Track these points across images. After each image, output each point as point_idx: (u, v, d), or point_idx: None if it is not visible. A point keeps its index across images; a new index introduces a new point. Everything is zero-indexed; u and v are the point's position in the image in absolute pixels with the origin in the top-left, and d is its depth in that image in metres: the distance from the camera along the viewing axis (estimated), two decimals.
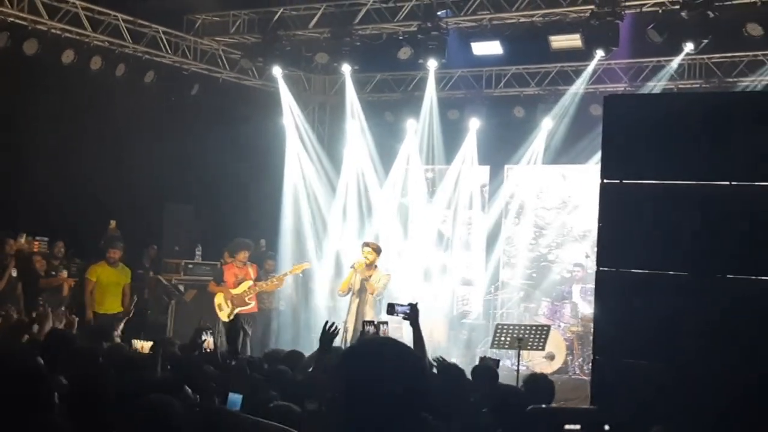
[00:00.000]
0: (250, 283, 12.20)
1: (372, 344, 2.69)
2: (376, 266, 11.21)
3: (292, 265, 13.29)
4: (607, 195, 5.94)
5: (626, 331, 5.73)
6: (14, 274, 11.78)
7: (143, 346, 8.03)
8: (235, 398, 5.19)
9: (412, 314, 5.83)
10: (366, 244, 11.44)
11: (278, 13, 13.95)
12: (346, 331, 10.54)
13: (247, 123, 14.92)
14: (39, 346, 7.00)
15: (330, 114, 16.36)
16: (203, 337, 6.75)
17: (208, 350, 6.87)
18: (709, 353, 5.56)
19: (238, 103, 15.23)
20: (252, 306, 12.27)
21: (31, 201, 12.67)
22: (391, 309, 6.06)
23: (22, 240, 12.16)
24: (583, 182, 13.92)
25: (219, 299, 12.20)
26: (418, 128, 15.14)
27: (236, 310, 12.05)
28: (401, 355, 2.50)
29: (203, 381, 5.16)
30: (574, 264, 13.87)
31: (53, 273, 12.37)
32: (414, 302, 5.97)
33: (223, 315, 12.07)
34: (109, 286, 11.54)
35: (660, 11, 12.24)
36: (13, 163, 12.77)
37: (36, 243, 12.78)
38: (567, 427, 1.70)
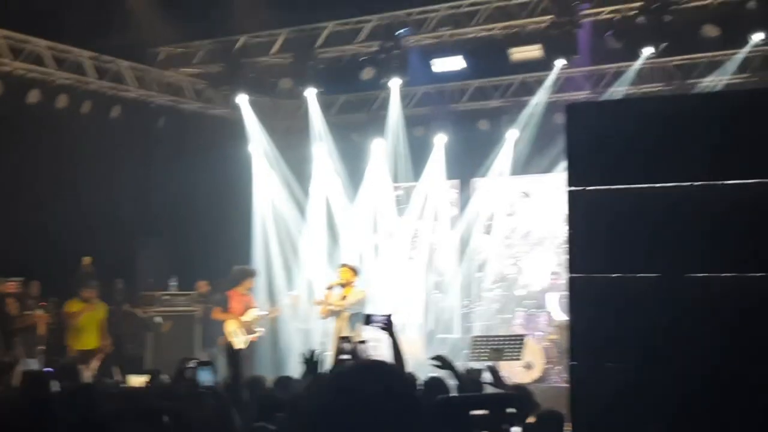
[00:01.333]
0: (257, 310, 12.21)
1: (357, 372, 2.53)
2: (352, 286, 11.27)
3: (277, 300, 13.28)
4: (574, 202, 6.04)
5: (602, 336, 5.83)
6: None
7: (137, 381, 8.02)
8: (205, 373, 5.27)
9: (389, 325, 5.90)
10: (343, 265, 11.51)
11: (240, 42, 14.04)
12: (324, 353, 10.56)
13: (215, 151, 14.96)
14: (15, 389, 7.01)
15: (296, 138, 16.43)
16: (190, 364, 6.74)
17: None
18: (686, 352, 5.66)
19: (205, 133, 15.27)
20: (258, 334, 12.30)
21: (2, 241, 12.60)
22: (368, 320, 6.11)
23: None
24: (551, 191, 14.07)
25: (232, 326, 12.13)
26: (385, 147, 15.25)
27: (249, 338, 12.03)
28: (390, 382, 2.40)
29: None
30: (551, 273, 13.99)
31: (28, 313, 12.30)
32: (389, 314, 6.03)
33: (239, 342, 11.99)
34: (85, 322, 11.50)
35: (617, 18, 12.44)
36: None
37: (11, 284, 12.71)
38: (473, 412, 1.72)
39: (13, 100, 12.37)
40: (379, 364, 2.52)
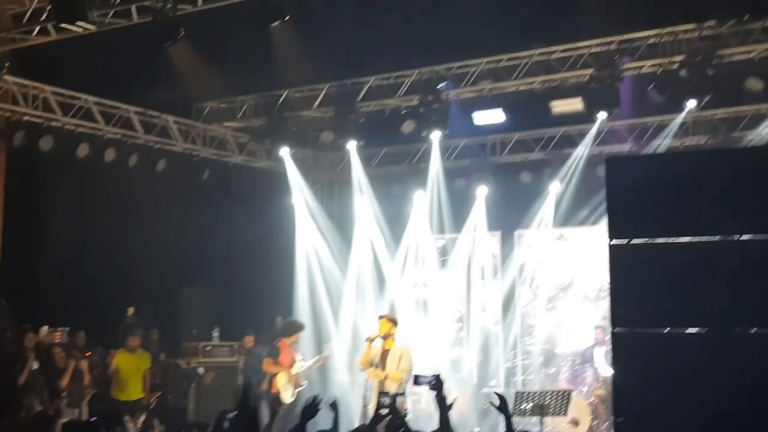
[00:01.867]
0: (304, 363, 12.21)
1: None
2: (393, 338, 11.20)
3: (322, 349, 13.23)
4: (616, 256, 5.98)
5: (646, 391, 5.73)
6: (35, 366, 11.86)
7: None
8: None
9: (437, 385, 5.87)
10: (382, 317, 11.46)
11: (283, 96, 14.28)
12: (366, 406, 10.51)
13: (258, 204, 15.14)
14: None
15: (338, 190, 16.57)
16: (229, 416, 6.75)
17: None
18: (732, 410, 5.54)
19: (248, 185, 15.48)
20: (303, 387, 12.24)
21: (51, 292, 12.85)
22: (417, 380, 6.10)
23: (44, 332, 12.28)
24: (595, 243, 13.95)
25: (283, 379, 12.07)
26: (426, 198, 15.27)
27: (297, 391, 12.02)
28: None
29: None
30: (595, 326, 13.79)
31: (73, 362, 12.42)
32: (438, 373, 6.00)
33: (287, 396, 11.96)
34: (130, 372, 11.60)
35: (659, 71, 12.40)
36: (33, 255, 12.97)
37: (57, 334, 12.89)
38: None
39: (64, 154, 12.69)
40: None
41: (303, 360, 12.33)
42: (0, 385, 11.47)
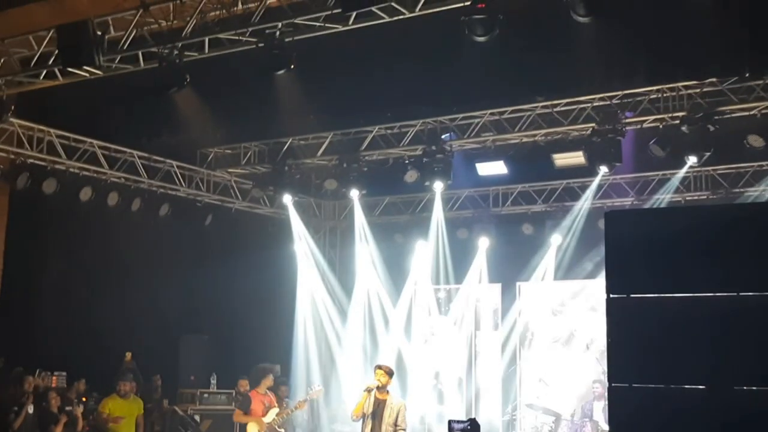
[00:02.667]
0: (277, 410, 12.02)
1: None
2: (388, 391, 11.09)
3: (306, 392, 13.14)
4: (614, 310, 5.95)
5: None
6: (30, 410, 11.77)
7: None
8: None
9: (475, 428, 5.77)
10: (378, 367, 11.33)
11: (287, 144, 14.36)
12: None
13: (260, 250, 15.14)
14: None
15: (340, 238, 16.58)
16: None
17: None
18: None
19: (250, 232, 15.50)
20: None
21: (50, 336, 12.79)
22: (450, 427, 6.02)
23: (40, 378, 12.21)
24: (595, 297, 13.89)
25: (254, 429, 12.02)
26: (428, 248, 15.26)
27: None
28: None
29: None
30: (593, 381, 13.68)
31: (68, 408, 12.33)
32: (473, 417, 5.93)
33: None
34: (121, 418, 11.48)
35: (660, 126, 12.46)
36: (32, 299, 12.95)
37: (54, 378, 12.81)
38: None
39: (67, 197, 12.72)
40: None
41: (285, 406, 12.18)
42: None
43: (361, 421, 11.01)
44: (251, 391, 12.31)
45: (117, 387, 11.66)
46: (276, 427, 11.96)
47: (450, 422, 6.04)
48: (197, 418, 13.41)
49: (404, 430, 10.76)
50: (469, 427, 5.72)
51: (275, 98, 12.26)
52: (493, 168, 13.61)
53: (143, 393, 12.44)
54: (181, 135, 12.99)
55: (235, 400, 13.49)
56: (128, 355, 13.23)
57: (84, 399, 12.55)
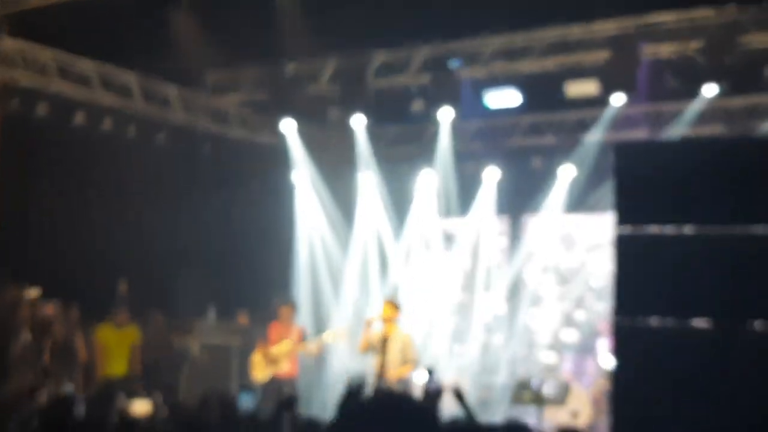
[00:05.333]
0: (290, 343, 11.71)
1: (384, 401, 2.77)
2: (395, 323, 10.92)
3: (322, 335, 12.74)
4: (622, 243, 5.74)
5: (646, 382, 5.52)
6: (28, 339, 11.63)
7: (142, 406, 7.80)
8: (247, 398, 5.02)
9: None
10: (386, 300, 11.21)
11: (289, 69, 13.91)
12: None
13: (260, 179, 14.81)
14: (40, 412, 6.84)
15: (344, 168, 16.20)
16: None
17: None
18: (737, 405, 5.31)
19: (250, 160, 15.13)
20: (287, 369, 11.65)
21: (43, 262, 12.55)
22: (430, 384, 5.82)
23: (31, 294, 11.97)
24: (603, 231, 13.61)
25: (255, 356, 11.77)
26: (434, 180, 14.93)
27: (270, 370, 11.56)
28: (414, 413, 2.55)
29: None
30: (601, 317, 13.51)
31: (72, 337, 12.19)
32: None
33: (257, 373, 11.63)
34: (115, 347, 11.36)
35: (677, 56, 12.12)
36: (24, 225, 12.69)
37: (50, 306, 12.63)
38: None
39: (60, 121, 12.37)
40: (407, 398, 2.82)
41: (303, 339, 11.92)
42: None
43: (369, 354, 10.87)
44: (270, 323, 12.01)
45: (113, 316, 11.50)
46: (279, 358, 11.66)
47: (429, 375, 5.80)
48: (194, 350, 13.26)
49: (415, 361, 10.61)
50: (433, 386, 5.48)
51: (277, 20, 11.86)
52: (503, 97, 13.23)
53: (140, 323, 12.25)
54: (179, 58, 12.58)
55: (243, 332, 13.32)
56: (123, 284, 13.02)
57: (78, 327, 12.38)
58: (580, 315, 14.10)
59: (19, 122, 12.09)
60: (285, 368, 11.61)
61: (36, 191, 12.77)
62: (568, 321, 14.14)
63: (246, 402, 5.55)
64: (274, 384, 11.24)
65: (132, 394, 10.89)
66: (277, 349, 11.61)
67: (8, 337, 11.49)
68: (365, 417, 2.51)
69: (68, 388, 11.41)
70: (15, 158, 12.45)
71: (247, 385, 6.68)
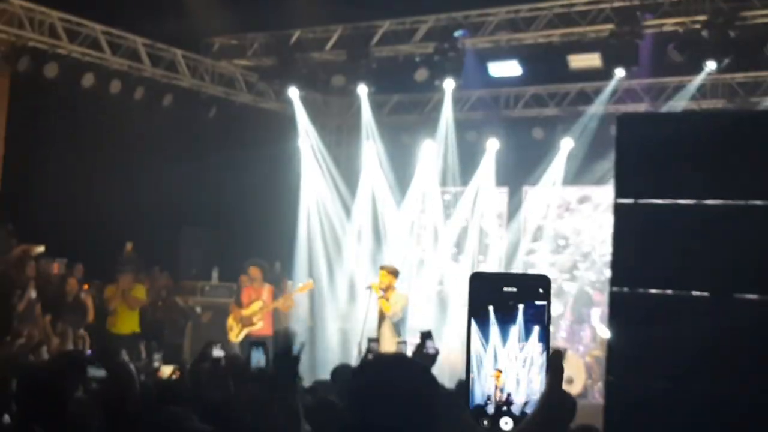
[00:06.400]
0: (260, 303, 11.99)
1: (384, 359, 2.76)
2: (394, 288, 11.05)
3: (292, 287, 13.06)
4: (620, 215, 5.80)
5: (641, 353, 5.61)
6: (33, 296, 11.79)
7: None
8: (258, 353, 5.17)
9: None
10: (383, 267, 11.28)
11: (295, 36, 13.98)
12: (361, 353, 10.38)
13: (264, 145, 14.91)
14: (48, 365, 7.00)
15: (346, 136, 16.33)
16: (213, 351, 6.69)
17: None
18: (728, 375, 5.42)
19: (254, 126, 15.24)
20: (261, 327, 11.92)
21: (49, 221, 12.70)
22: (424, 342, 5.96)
23: (37, 251, 12.11)
24: (601, 204, 13.76)
25: (230, 320, 12.02)
26: (435, 150, 15.04)
27: (245, 331, 11.85)
28: (413, 370, 2.50)
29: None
30: (597, 287, 13.68)
31: (81, 295, 12.37)
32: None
33: (232, 335, 11.85)
34: (123, 306, 11.54)
35: (680, 30, 12.15)
36: (33, 183, 12.84)
37: (56, 264, 12.80)
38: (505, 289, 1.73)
39: (68, 82, 12.45)
40: (404, 357, 2.74)
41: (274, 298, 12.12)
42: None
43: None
44: (245, 286, 12.26)
45: (119, 275, 11.65)
46: (253, 318, 11.84)
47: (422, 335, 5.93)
48: (198, 310, 13.47)
49: (398, 315, 10.71)
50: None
51: None
52: (506, 68, 13.29)
53: (144, 284, 12.44)
54: (186, 22, 12.65)
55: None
56: (129, 245, 13.20)
57: (85, 287, 12.57)
58: (574, 284, 14.27)
59: (29, 82, 12.18)
60: (258, 327, 11.85)
61: (43, 151, 12.90)
62: (561, 290, 14.31)
63: (257, 359, 5.70)
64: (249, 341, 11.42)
65: (138, 352, 11.13)
66: (249, 310, 11.83)
67: (14, 293, 11.67)
68: (365, 382, 2.47)
69: (72, 344, 11.63)
70: (24, 118, 12.58)
71: (257, 342, 6.84)
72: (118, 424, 4.11)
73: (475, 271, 1.80)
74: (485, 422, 1.73)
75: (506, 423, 1.73)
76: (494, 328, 1.74)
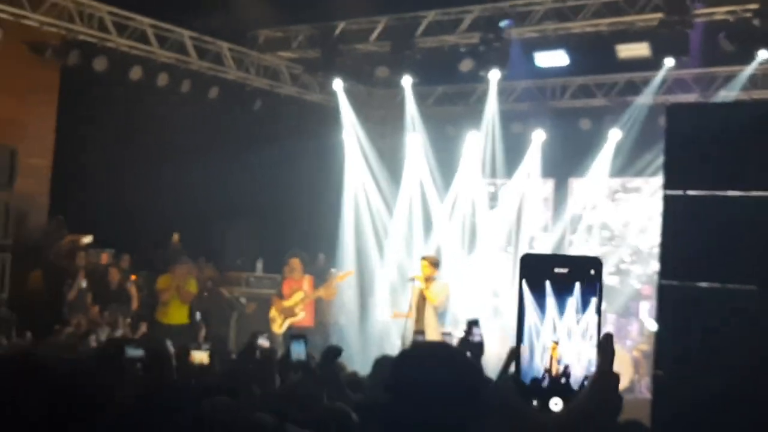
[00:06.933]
0: (301, 294, 12.07)
1: (424, 348, 2.75)
2: (435, 279, 11.02)
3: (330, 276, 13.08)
4: (669, 206, 5.72)
5: (690, 346, 5.52)
6: (84, 285, 11.99)
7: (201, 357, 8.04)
8: (298, 346, 5.21)
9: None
10: (424, 258, 11.25)
11: (339, 28, 13.97)
12: (404, 346, 10.38)
13: (308, 137, 14.97)
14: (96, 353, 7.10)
15: (390, 127, 16.29)
16: (259, 341, 6.72)
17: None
18: None
19: (299, 118, 15.29)
20: (302, 317, 12.03)
21: (98, 213, 12.90)
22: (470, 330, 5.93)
23: (86, 241, 12.30)
24: (650, 195, 13.56)
25: (272, 312, 12.12)
26: (480, 141, 14.95)
27: (287, 322, 11.93)
28: (454, 359, 2.47)
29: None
30: (646, 279, 13.51)
31: (127, 285, 12.54)
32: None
33: (275, 327, 11.92)
34: (174, 298, 11.64)
35: (732, 19, 11.90)
36: (82, 176, 13.02)
37: (104, 255, 13.01)
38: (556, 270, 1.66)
39: (117, 75, 12.62)
40: (446, 345, 2.75)
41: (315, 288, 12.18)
42: (50, 298, 11.67)
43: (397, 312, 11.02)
44: (285, 278, 12.33)
45: (172, 268, 11.72)
46: (295, 309, 11.91)
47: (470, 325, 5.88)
48: (243, 301, 13.57)
49: (443, 303, 10.68)
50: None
51: None
52: (552, 58, 13.14)
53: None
54: (232, 15, 12.72)
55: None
56: (175, 236, 13.34)
57: (133, 277, 12.74)
58: (624, 276, 14.11)
59: (79, 75, 12.37)
60: (300, 318, 11.91)
61: (92, 143, 13.07)
62: (612, 282, 14.16)
63: (297, 352, 5.70)
64: (292, 332, 11.49)
65: (186, 343, 11.21)
66: (290, 301, 11.91)
67: (65, 283, 11.88)
68: (404, 371, 2.41)
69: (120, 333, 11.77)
70: (73, 111, 12.77)
71: (297, 335, 6.82)
72: (154, 401, 4.13)
73: (527, 252, 1.74)
74: (535, 402, 1.68)
75: (555, 404, 1.68)
76: (550, 299, 1.70)
